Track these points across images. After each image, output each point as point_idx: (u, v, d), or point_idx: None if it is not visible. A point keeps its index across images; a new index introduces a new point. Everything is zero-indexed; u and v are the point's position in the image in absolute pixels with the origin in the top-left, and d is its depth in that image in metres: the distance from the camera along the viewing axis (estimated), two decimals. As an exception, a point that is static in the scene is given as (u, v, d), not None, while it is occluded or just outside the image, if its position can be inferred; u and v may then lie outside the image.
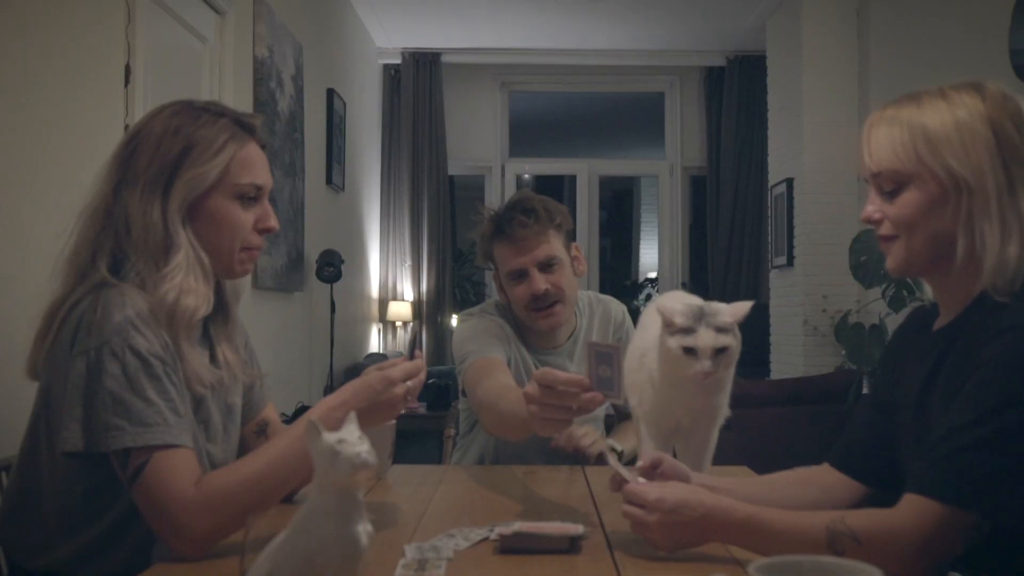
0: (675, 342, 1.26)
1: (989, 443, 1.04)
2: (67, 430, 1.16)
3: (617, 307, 2.13)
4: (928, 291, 1.33)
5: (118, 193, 1.27)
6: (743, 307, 1.27)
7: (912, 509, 1.05)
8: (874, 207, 1.21)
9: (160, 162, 1.26)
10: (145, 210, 1.25)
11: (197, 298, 1.26)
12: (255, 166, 1.32)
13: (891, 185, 1.18)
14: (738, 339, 1.28)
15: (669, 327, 1.27)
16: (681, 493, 1.10)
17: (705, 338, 1.24)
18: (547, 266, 1.88)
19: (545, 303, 1.88)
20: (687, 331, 1.25)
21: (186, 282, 1.24)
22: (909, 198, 1.16)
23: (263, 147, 1.36)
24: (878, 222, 1.21)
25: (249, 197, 1.32)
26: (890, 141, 1.17)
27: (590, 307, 2.10)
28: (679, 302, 1.31)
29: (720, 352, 1.26)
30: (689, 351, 1.25)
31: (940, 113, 1.15)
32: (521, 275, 1.89)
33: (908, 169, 1.15)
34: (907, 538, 1.04)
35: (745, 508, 1.09)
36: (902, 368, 1.31)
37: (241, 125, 1.32)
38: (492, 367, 1.80)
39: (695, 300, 1.33)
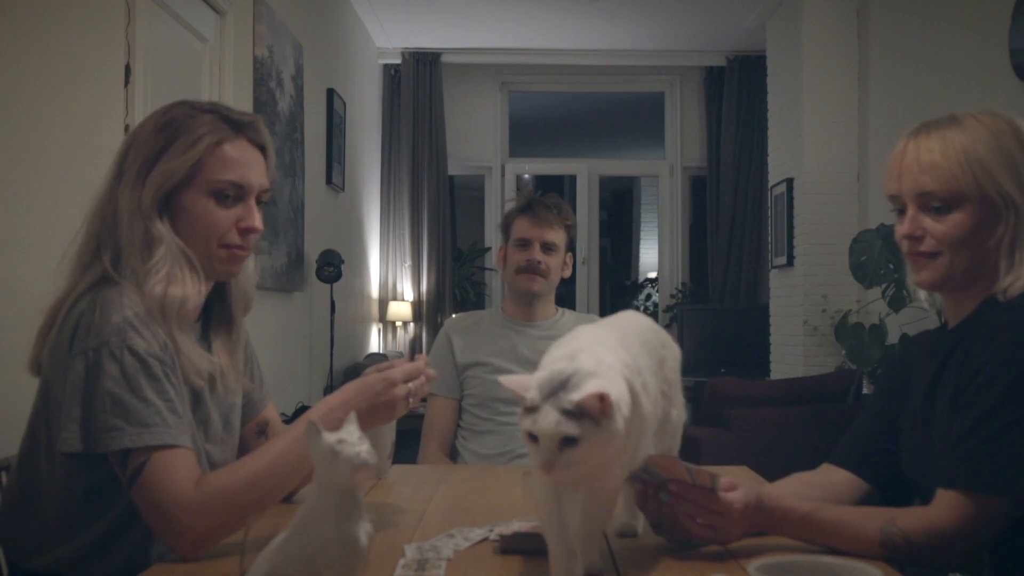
0: (522, 423, 0.96)
1: (1008, 429, 1.11)
2: (66, 431, 1.16)
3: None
4: (922, 297, 1.39)
5: (113, 189, 1.28)
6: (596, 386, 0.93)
7: (947, 505, 1.13)
8: (915, 224, 1.24)
9: (143, 157, 1.27)
10: (130, 205, 1.25)
11: (185, 288, 1.25)
12: (237, 164, 1.28)
13: (940, 203, 1.22)
14: (607, 428, 0.93)
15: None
16: (753, 495, 1.15)
17: (546, 420, 0.93)
18: (546, 247, 2.30)
19: (533, 270, 2.29)
20: (532, 410, 0.95)
21: (172, 273, 1.24)
22: (961, 217, 1.21)
23: (262, 148, 1.33)
24: (919, 239, 1.24)
25: (226, 195, 1.28)
26: (946, 162, 1.21)
27: (575, 316, 2.43)
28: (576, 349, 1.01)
29: (567, 443, 0.93)
30: (532, 437, 0.95)
31: (984, 137, 1.21)
32: (526, 244, 2.31)
33: (964, 190, 1.20)
34: (949, 532, 1.11)
35: (803, 505, 1.16)
36: (911, 370, 1.36)
37: (229, 122, 1.29)
38: (432, 430, 2.31)
39: (602, 346, 1.04)
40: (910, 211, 1.25)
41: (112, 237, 1.26)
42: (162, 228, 1.25)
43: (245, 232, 1.31)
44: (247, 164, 1.30)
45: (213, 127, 1.27)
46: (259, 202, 1.34)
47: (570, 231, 2.35)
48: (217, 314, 1.40)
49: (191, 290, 1.26)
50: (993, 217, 1.20)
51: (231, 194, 1.29)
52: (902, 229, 1.26)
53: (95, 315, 1.18)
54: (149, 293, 1.22)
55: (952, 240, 1.21)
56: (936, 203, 1.21)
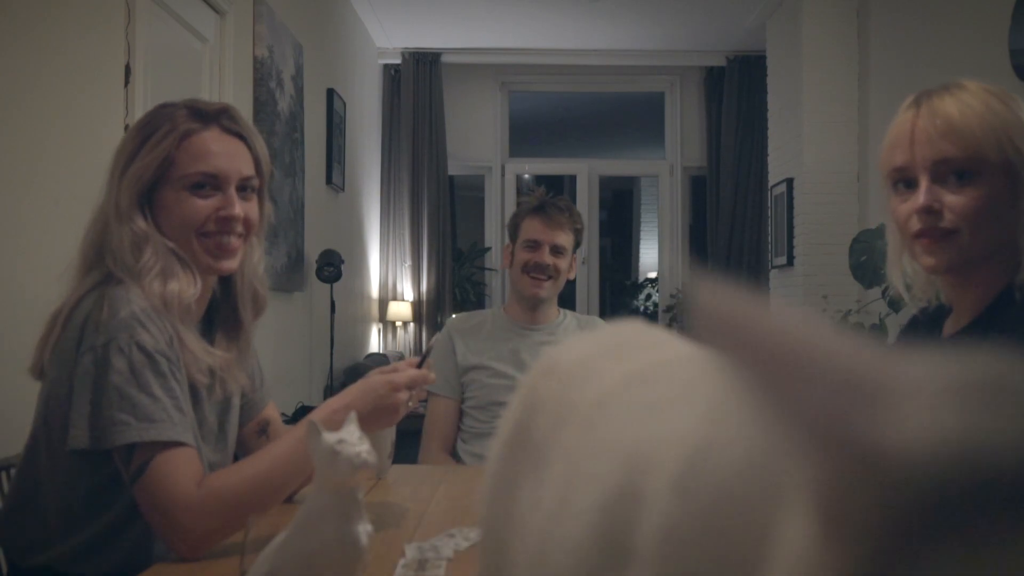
0: None
1: None
2: (75, 427, 1.16)
3: (603, 322, 2.43)
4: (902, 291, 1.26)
5: (104, 195, 1.30)
6: None
7: None
8: (933, 196, 1.11)
9: (122, 160, 1.28)
10: (114, 209, 1.27)
11: (180, 282, 1.26)
12: (209, 155, 1.28)
13: (960, 171, 1.10)
14: None
15: None
16: None
17: None
18: (556, 250, 2.28)
19: (541, 273, 2.27)
20: None
21: (166, 268, 1.25)
22: (983, 188, 1.09)
23: (240, 136, 1.32)
24: (936, 214, 1.12)
25: (202, 185, 1.28)
26: (967, 125, 1.09)
27: (577, 319, 2.41)
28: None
29: None
30: None
31: (994, 101, 1.11)
32: (536, 245, 2.28)
33: (987, 154, 1.09)
34: None
35: None
36: None
37: (199, 115, 1.29)
38: (433, 431, 2.27)
39: None
40: (924, 183, 1.12)
41: (109, 240, 1.27)
42: (145, 227, 1.26)
43: (225, 220, 1.29)
44: (220, 154, 1.29)
45: (181, 121, 1.27)
46: (245, 190, 1.32)
47: (579, 235, 2.33)
48: (223, 315, 1.40)
49: (186, 284, 1.26)
50: (1014, 188, 1.09)
51: (207, 184, 1.28)
52: (915, 203, 1.12)
53: (103, 312, 1.18)
54: (148, 290, 1.22)
55: (973, 214, 1.09)
56: (956, 171, 1.09)
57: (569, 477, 0.40)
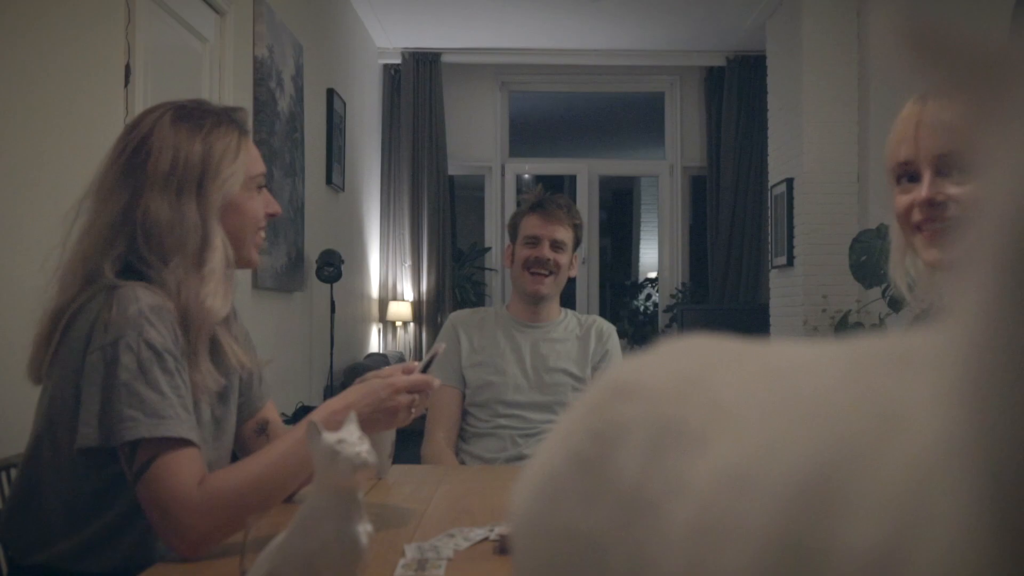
0: None
1: None
2: (85, 425, 1.16)
3: (607, 324, 2.42)
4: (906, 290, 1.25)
5: (135, 199, 1.27)
6: None
7: None
8: (936, 188, 1.11)
9: (184, 167, 1.29)
10: (183, 214, 1.27)
11: (225, 302, 1.30)
12: (257, 156, 1.40)
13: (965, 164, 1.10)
14: None
15: None
16: None
17: None
18: (556, 245, 2.28)
19: (542, 269, 2.28)
20: None
21: (221, 285, 1.29)
22: None
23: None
24: (939, 206, 1.11)
25: (261, 185, 1.40)
26: None
27: (577, 318, 2.41)
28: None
29: None
30: None
31: None
32: (536, 241, 2.28)
33: None
34: None
35: None
36: None
37: (236, 123, 1.37)
38: (438, 419, 2.26)
39: None
40: (927, 176, 1.11)
41: (128, 246, 1.26)
42: (220, 234, 1.30)
43: (270, 216, 1.41)
44: (258, 153, 1.41)
45: (237, 132, 1.35)
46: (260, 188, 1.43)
47: (578, 231, 2.34)
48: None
49: (227, 303, 1.32)
50: None
51: (262, 184, 1.40)
52: (918, 196, 1.12)
53: (112, 312, 1.19)
54: (199, 301, 1.24)
55: None
56: (960, 165, 1.08)
57: (712, 525, 0.30)
